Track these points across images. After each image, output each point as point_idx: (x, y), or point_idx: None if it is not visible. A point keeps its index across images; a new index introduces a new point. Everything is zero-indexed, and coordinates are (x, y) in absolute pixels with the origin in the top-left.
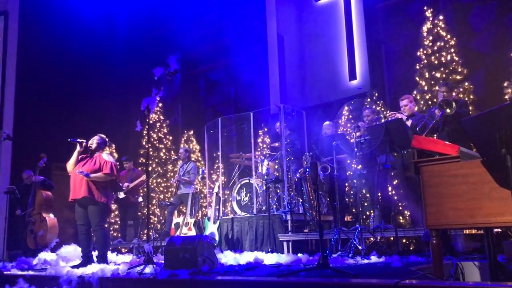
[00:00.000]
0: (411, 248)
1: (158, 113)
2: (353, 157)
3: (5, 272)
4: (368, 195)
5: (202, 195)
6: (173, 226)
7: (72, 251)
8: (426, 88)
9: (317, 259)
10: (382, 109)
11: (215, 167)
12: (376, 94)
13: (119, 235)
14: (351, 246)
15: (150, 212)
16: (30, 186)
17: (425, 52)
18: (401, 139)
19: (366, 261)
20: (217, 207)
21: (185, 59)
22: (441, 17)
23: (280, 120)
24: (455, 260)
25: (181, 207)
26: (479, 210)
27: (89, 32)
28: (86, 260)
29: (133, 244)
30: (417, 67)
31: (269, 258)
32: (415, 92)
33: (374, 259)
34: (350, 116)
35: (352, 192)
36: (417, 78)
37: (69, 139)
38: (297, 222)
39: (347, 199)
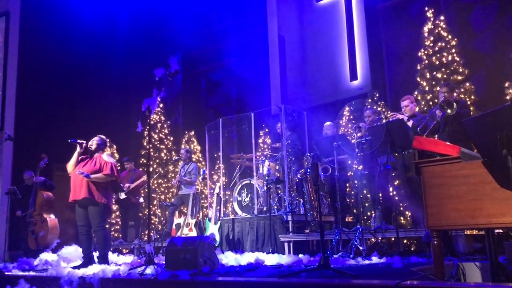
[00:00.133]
0: (412, 249)
1: (159, 113)
2: (354, 158)
3: (6, 273)
4: (369, 195)
5: (203, 196)
6: (174, 226)
7: (73, 251)
8: (427, 88)
9: (318, 260)
10: (383, 109)
11: (216, 168)
12: (377, 95)
13: (120, 235)
14: (352, 247)
15: (151, 212)
16: (31, 186)
17: (426, 52)
18: (402, 139)
19: (367, 261)
20: (218, 207)
21: (186, 59)
22: (442, 18)
23: (281, 120)
24: (456, 261)
25: (182, 208)
26: (480, 211)
27: (90, 33)
28: (87, 260)
29: (134, 245)
30: (418, 67)
31: (270, 259)
32: (416, 93)
33: (375, 259)
34: (351, 117)
35: (353, 192)
36: (418, 79)
37: (69, 140)
38: (298, 223)
39: (348, 200)
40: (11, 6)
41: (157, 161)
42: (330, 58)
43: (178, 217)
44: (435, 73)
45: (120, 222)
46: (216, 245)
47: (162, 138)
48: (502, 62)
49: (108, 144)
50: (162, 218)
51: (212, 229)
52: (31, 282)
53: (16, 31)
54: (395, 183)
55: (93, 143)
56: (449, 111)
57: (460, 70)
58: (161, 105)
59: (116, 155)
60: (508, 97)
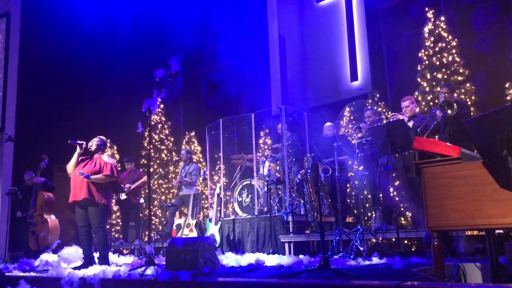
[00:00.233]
0: (412, 249)
1: (160, 114)
2: (354, 158)
3: (7, 274)
4: (369, 196)
5: (204, 196)
6: (174, 227)
7: (74, 252)
8: (427, 89)
9: (318, 261)
10: (384, 110)
11: (216, 168)
12: (378, 95)
13: (121, 236)
14: (352, 248)
15: (152, 213)
16: (31, 187)
17: (426, 53)
18: (403, 140)
19: (367, 262)
20: (219, 208)
21: (187, 60)
22: (442, 18)
23: (282, 121)
24: (457, 262)
25: (182, 208)
26: (481, 212)
27: (90, 34)
28: (88, 261)
29: (135, 245)
30: (419, 68)
31: (271, 260)
32: (416, 93)
33: (375, 260)
34: (352, 117)
35: (353, 193)
36: (419, 79)
37: (69, 141)
38: (298, 224)
39: (348, 200)
40: (12, 7)
41: (158, 161)
42: (330, 59)
43: (179, 217)
44: (435, 73)
45: (120, 223)
46: (217, 245)
47: (162, 138)
48: (503, 63)
49: (108, 145)
50: (162, 219)
51: (213, 229)
52: (32, 282)
53: (17, 32)
54: (396, 184)
55: (93, 144)
56: (449, 111)
57: (461, 70)
58: (161, 106)
59: (117, 156)
60: (508, 98)
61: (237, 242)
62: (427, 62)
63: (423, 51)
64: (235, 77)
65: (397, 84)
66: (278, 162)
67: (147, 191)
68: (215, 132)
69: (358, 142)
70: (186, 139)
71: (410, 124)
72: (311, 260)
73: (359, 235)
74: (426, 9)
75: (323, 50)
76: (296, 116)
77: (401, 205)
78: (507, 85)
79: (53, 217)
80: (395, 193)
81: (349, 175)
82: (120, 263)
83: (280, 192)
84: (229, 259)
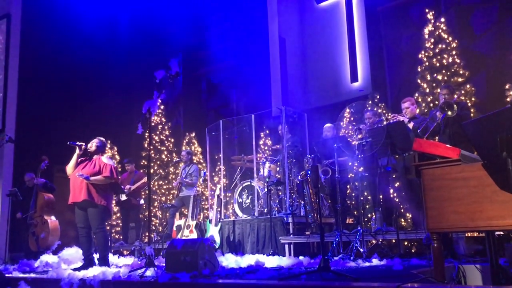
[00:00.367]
0: (413, 251)
1: (160, 115)
2: (354, 160)
3: (6, 275)
4: (369, 197)
5: (204, 198)
6: (174, 228)
7: (74, 253)
8: (427, 90)
9: (318, 262)
10: (384, 111)
11: (216, 169)
12: (378, 96)
13: (121, 237)
14: (352, 249)
15: (152, 214)
16: (32, 188)
17: (426, 54)
18: (403, 141)
19: (367, 264)
20: (219, 209)
21: (187, 61)
22: (442, 19)
23: (282, 122)
24: (457, 263)
25: (183, 209)
26: (480, 214)
27: (90, 35)
28: (88, 262)
29: (135, 247)
30: (419, 69)
31: (271, 261)
32: (416, 95)
33: (375, 262)
34: (352, 118)
35: (353, 194)
36: (419, 80)
37: (68, 142)
38: (298, 225)
39: (348, 202)
40: (12, 8)
41: (158, 162)
42: (330, 60)
43: (179, 218)
44: (435, 75)
45: (120, 224)
46: (217, 247)
47: (163, 139)
48: (503, 64)
49: (108, 146)
50: (162, 220)
51: (213, 231)
52: (32, 284)
53: (17, 33)
54: (396, 185)
55: (92, 145)
56: (449, 113)
57: (461, 72)
58: (161, 107)
59: (117, 157)
60: (508, 99)
61: (237, 244)
62: (427, 63)
63: (423, 52)
64: (236, 78)
65: (397, 85)
66: (278, 163)
67: (147, 192)
68: (215, 133)
69: (358, 143)
70: (186, 140)
71: (410, 125)
72: (311, 262)
73: (359, 236)
74: (426, 10)
75: (323, 51)
76: (296, 117)
77: (401, 206)
78: (507, 87)
79: (53, 218)
80: (395, 194)
81: (349, 176)
82: (120, 264)
83: (280, 193)
84: (229, 260)
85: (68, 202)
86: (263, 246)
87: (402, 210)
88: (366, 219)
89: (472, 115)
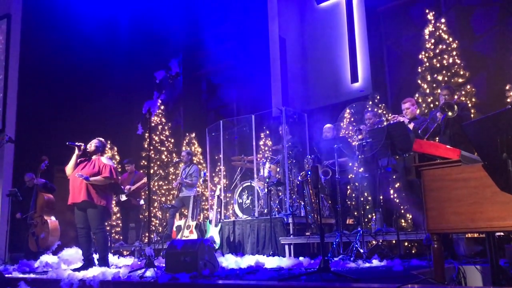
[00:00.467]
0: (413, 252)
1: (160, 115)
2: (354, 160)
3: (6, 275)
4: (369, 198)
5: (204, 198)
6: (174, 228)
7: (74, 253)
8: (428, 91)
9: (318, 263)
10: (384, 112)
11: (216, 170)
12: (378, 97)
13: (121, 237)
14: (352, 250)
15: (152, 214)
16: (31, 188)
17: (427, 55)
18: (403, 142)
19: (367, 264)
20: (219, 210)
21: (187, 62)
22: (443, 20)
23: (282, 122)
24: (457, 264)
25: (183, 210)
26: (481, 215)
27: (91, 35)
28: (87, 263)
29: (135, 247)
30: (419, 70)
31: (271, 262)
32: (417, 95)
33: (375, 262)
34: (352, 119)
35: (354, 195)
36: (419, 81)
37: (67, 143)
38: (298, 225)
39: (348, 202)
40: (12, 8)
41: (158, 163)
42: (331, 60)
43: (179, 219)
44: (436, 75)
45: (120, 224)
46: (217, 247)
47: (163, 140)
48: (503, 65)
49: (107, 147)
50: (162, 220)
51: (213, 231)
52: (31, 284)
53: (18, 33)
54: (396, 186)
55: (92, 145)
56: (450, 113)
57: (461, 72)
58: (162, 107)
59: (117, 157)
60: (509, 100)
61: (237, 244)
62: (427, 63)
63: (423, 53)
64: (236, 79)
65: (397, 86)
66: (279, 164)
67: (147, 192)
68: (215, 134)
69: (359, 144)
70: (187, 141)
71: (411, 126)
72: (311, 262)
73: (359, 237)
74: (427, 10)
75: (324, 52)
76: (296, 117)
77: (401, 207)
78: (507, 87)
79: (53, 218)
80: (395, 195)
81: (349, 177)
82: (120, 264)
83: (280, 194)
84: (229, 261)
85: (68, 202)
86: (263, 247)
87: (402, 211)
88: (366, 220)
89: (472, 116)
